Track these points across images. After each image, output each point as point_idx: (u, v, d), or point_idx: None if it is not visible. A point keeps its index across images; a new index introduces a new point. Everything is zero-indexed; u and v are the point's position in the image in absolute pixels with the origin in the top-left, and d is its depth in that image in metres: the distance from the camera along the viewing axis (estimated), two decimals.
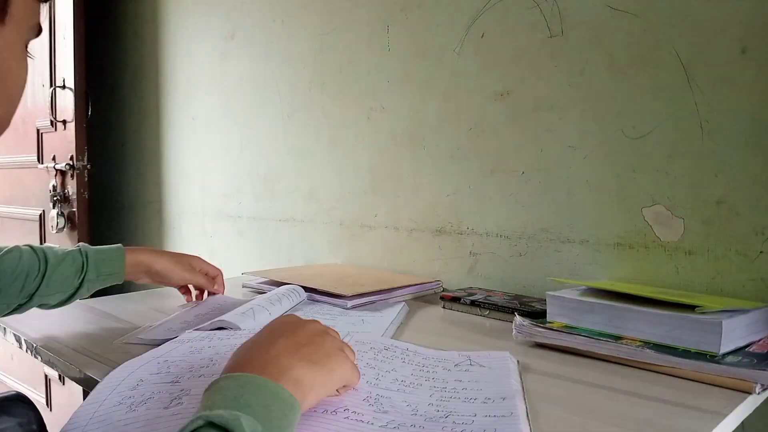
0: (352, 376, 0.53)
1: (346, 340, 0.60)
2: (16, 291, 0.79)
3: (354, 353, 0.55)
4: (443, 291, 1.12)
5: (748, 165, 0.84)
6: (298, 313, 0.84)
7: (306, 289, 1.03)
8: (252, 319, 0.79)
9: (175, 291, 1.01)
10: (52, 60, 2.02)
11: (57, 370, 0.74)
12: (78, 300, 0.87)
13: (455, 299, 0.99)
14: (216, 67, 1.73)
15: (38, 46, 1.99)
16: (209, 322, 0.77)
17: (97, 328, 0.87)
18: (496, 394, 0.56)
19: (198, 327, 0.76)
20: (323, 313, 0.93)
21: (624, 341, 0.70)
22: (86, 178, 1.95)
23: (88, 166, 1.95)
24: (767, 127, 0.83)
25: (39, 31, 0.57)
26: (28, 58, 0.57)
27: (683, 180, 0.90)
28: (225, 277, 1.03)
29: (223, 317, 0.77)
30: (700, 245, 0.88)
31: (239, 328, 0.75)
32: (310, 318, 0.57)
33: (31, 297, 0.80)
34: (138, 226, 2.11)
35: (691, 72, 0.88)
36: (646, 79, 0.92)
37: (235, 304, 0.91)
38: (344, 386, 0.53)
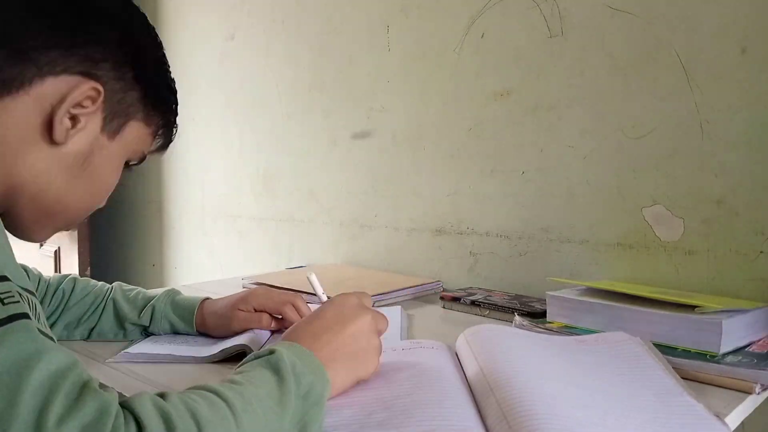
0: (370, 375, 0.58)
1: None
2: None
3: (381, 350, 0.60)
4: (443, 291, 1.12)
5: (748, 165, 0.84)
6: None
7: (306, 293, 1.03)
8: (256, 337, 0.76)
9: None
10: None
11: None
12: None
13: (455, 299, 0.99)
14: (216, 67, 1.73)
15: None
16: (218, 352, 0.71)
17: None
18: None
19: (217, 358, 0.71)
20: None
21: None
22: None
23: None
24: (767, 127, 0.83)
25: (143, 159, 0.65)
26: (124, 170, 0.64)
27: (683, 180, 0.89)
28: (224, 278, 1.03)
29: (234, 344, 0.72)
30: (700, 245, 0.88)
31: (252, 351, 0.71)
32: None
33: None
34: (138, 225, 2.11)
35: (691, 72, 0.88)
36: (646, 79, 0.92)
37: None
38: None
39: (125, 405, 0.37)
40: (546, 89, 1.04)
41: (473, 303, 0.96)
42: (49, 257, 2.05)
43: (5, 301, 0.37)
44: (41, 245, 2.11)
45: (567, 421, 0.46)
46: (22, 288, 0.42)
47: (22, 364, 0.35)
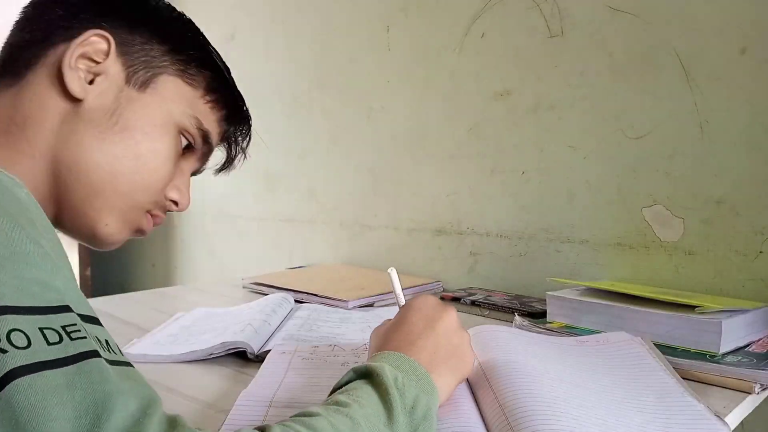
0: (470, 371, 0.56)
1: None
2: None
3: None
4: (443, 291, 1.12)
5: (748, 165, 0.84)
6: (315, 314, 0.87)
7: (306, 293, 1.03)
8: (257, 336, 0.76)
9: (175, 291, 1.01)
10: None
11: None
12: None
13: (455, 299, 0.99)
14: None
15: None
16: (218, 344, 0.72)
17: None
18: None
19: (212, 353, 0.72)
20: (324, 320, 0.91)
21: None
22: None
23: None
24: (767, 127, 0.83)
25: (205, 136, 0.63)
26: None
27: (683, 180, 0.90)
28: (224, 278, 1.03)
29: (234, 339, 0.72)
30: (700, 245, 0.88)
31: (253, 350, 0.71)
32: None
33: None
34: None
35: (691, 72, 0.88)
36: (646, 79, 0.92)
37: (223, 315, 0.90)
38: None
39: None
40: (546, 89, 1.04)
41: (473, 303, 0.96)
42: None
43: (72, 335, 0.34)
44: None
45: (568, 421, 0.46)
46: (84, 315, 0.37)
47: (100, 407, 0.32)
